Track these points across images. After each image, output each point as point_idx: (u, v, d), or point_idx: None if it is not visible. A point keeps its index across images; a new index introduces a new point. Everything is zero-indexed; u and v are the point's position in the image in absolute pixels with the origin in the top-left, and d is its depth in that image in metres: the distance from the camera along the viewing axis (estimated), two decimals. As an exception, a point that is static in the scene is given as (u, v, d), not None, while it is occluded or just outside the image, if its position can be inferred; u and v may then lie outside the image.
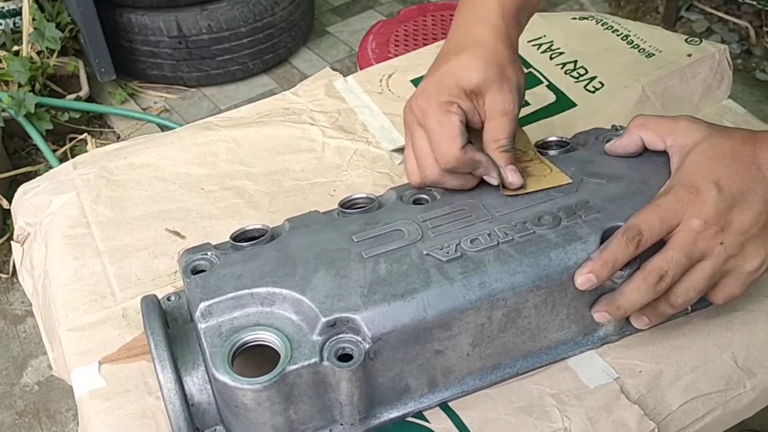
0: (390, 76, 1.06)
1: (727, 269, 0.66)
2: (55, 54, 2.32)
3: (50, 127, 2.20)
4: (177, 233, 0.84)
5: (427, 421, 0.67)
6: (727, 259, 0.65)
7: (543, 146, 0.79)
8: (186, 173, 0.91)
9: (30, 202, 0.89)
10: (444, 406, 0.68)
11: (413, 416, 0.67)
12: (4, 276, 1.99)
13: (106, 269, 0.81)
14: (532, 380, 0.70)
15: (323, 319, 0.60)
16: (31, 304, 1.92)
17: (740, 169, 0.66)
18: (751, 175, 0.66)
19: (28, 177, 2.11)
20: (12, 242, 0.90)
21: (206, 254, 0.67)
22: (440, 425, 0.66)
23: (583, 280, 0.65)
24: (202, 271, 0.66)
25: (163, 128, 2.30)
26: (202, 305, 0.62)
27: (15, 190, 0.92)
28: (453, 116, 0.71)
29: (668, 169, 0.72)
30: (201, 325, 0.62)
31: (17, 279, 1.96)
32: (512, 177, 0.72)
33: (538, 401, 0.68)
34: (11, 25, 2.40)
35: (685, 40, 1.06)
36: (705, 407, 0.69)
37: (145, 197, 0.88)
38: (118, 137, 2.37)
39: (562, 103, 1.00)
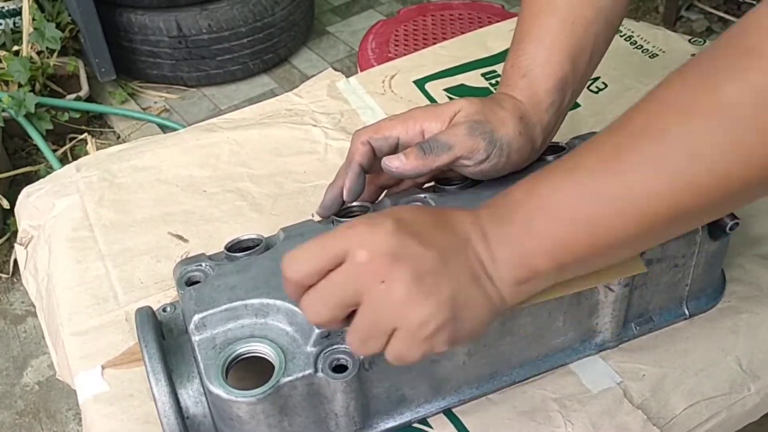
0: (392, 77, 1.06)
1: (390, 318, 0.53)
2: (55, 54, 2.32)
3: (50, 127, 2.19)
4: (180, 237, 0.84)
5: (430, 426, 0.67)
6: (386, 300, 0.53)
7: None
8: (189, 175, 0.91)
9: (33, 204, 0.89)
10: (447, 412, 0.68)
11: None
12: (4, 276, 1.99)
13: (109, 273, 0.81)
14: (535, 385, 0.70)
15: (317, 330, 0.60)
16: (31, 304, 1.91)
17: (426, 218, 0.56)
18: (437, 221, 0.56)
19: (28, 177, 2.11)
20: (16, 245, 0.90)
21: (201, 265, 0.66)
22: (443, 431, 0.66)
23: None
24: (197, 282, 0.65)
25: (164, 128, 2.30)
26: (196, 317, 0.61)
27: (15, 190, 0.92)
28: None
29: None
30: (195, 338, 0.61)
31: (17, 279, 1.96)
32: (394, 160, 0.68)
33: (541, 406, 0.68)
34: (11, 25, 2.39)
35: (689, 41, 1.06)
36: (709, 411, 0.69)
37: (148, 200, 0.88)
38: (118, 137, 2.37)
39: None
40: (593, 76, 1.03)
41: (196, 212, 0.87)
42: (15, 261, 1.92)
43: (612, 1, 0.74)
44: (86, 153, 2.19)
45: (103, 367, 0.72)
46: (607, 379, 0.70)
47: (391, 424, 0.66)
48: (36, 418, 1.70)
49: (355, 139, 0.71)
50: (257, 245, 0.68)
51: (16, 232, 0.91)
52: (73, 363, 0.73)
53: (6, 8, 2.36)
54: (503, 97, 0.73)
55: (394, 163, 0.68)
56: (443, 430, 0.66)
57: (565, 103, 0.74)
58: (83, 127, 2.33)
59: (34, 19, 2.26)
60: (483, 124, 0.68)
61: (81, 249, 0.83)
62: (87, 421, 0.69)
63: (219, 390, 0.58)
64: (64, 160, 2.14)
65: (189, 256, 0.74)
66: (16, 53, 2.28)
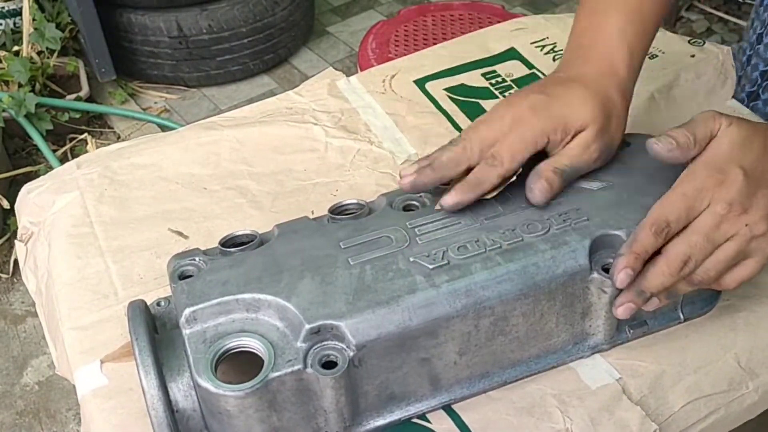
0: (393, 76, 1.06)
1: (750, 250, 0.66)
2: (55, 54, 2.33)
3: (50, 127, 2.20)
4: (180, 233, 0.84)
5: (428, 421, 0.67)
6: (750, 239, 0.65)
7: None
8: (189, 173, 0.92)
9: (34, 201, 0.89)
10: (445, 407, 0.68)
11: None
12: (4, 276, 1.99)
13: (109, 269, 0.81)
14: (533, 381, 0.70)
15: (307, 326, 0.60)
16: (31, 304, 1.92)
17: (765, 154, 0.67)
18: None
19: (28, 177, 2.12)
20: (16, 242, 0.90)
21: (194, 260, 0.67)
22: (442, 426, 0.66)
23: (622, 276, 0.64)
24: (189, 276, 0.65)
25: (164, 128, 2.30)
26: (187, 311, 0.61)
27: (15, 190, 0.93)
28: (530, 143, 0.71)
29: (660, 177, 0.71)
30: (186, 331, 0.61)
31: (17, 279, 1.96)
32: (538, 186, 0.70)
33: (540, 402, 0.68)
34: (11, 25, 2.40)
35: (688, 42, 1.06)
36: (707, 408, 0.69)
37: (149, 197, 0.89)
38: (119, 137, 2.37)
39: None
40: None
41: (196, 209, 0.87)
42: (15, 261, 1.93)
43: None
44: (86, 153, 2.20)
45: (102, 362, 0.72)
46: (605, 376, 0.70)
47: (381, 421, 0.66)
48: (36, 418, 1.70)
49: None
50: (251, 241, 0.68)
51: (16, 232, 0.91)
52: (72, 358, 0.73)
53: (6, 8, 2.36)
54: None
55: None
56: (442, 425, 0.66)
57: None
58: (83, 128, 2.34)
59: (34, 19, 2.27)
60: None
61: (81, 245, 0.83)
62: (86, 415, 0.70)
63: (207, 384, 0.58)
64: (64, 160, 2.14)
65: (188, 252, 0.74)
66: (17, 53, 2.29)
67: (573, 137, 0.71)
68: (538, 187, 0.69)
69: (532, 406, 0.67)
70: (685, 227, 0.65)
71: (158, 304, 0.69)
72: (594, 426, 0.66)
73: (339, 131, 0.97)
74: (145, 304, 0.66)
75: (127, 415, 0.68)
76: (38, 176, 0.95)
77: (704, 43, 1.06)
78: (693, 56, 1.03)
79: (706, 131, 0.68)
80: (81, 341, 0.74)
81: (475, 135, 0.71)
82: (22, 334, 1.87)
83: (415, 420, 0.67)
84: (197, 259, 0.67)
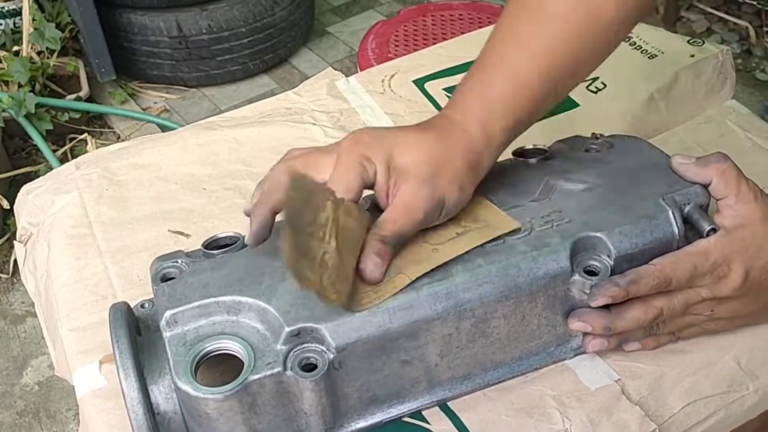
0: (392, 76, 1.06)
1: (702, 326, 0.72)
2: (55, 54, 2.32)
3: (50, 127, 2.20)
4: (181, 233, 0.84)
5: (426, 422, 0.67)
6: (707, 320, 0.71)
7: (519, 154, 0.77)
8: (188, 173, 0.92)
9: (33, 202, 0.89)
10: (444, 407, 0.67)
11: (411, 416, 0.67)
12: (4, 276, 1.99)
13: (108, 270, 0.81)
14: (532, 381, 0.69)
15: (287, 329, 0.59)
16: (31, 304, 1.92)
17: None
18: None
19: (28, 177, 2.12)
20: (15, 242, 0.90)
21: (176, 262, 0.66)
22: (440, 427, 0.66)
23: (602, 301, 0.65)
24: (171, 278, 0.65)
25: (164, 128, 2.30)
26: (168, 313, 0.61)
27: (15, 191, 0.92)
28: (358, 168, 0.64)
29: (644, 180, 0.71)
30: (166, 334, 0.61)
31: (17, 279, 1.96)
32: (369, 265, 0.62)
33: (539, 403, 0.68)
34: (11, 25, 2.40)
35: (688, 41, 1.06)
36: (707, 409, 0.68)
37: (147, 197, 0.88)
38: (119, 137, 2.37)
39: (565, 103, 1.00)
40: (592, 76, 1.03)
41: (195, 210, 0.87)
42: (15, 261, 1.93)
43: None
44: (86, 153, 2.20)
45: (100, 362, 0.72)
46: (604, 377, 0.69)
47: (362, 424, 0.65)
48: (36, 418, 1.70)
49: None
50: (234, 243, 0.68)
51: (16, 233, 0.92)
52: (71, 358, 0.73)
53: (6, 8, 2.36)
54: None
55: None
56: (440, 425, 0.66)
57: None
58: (83, 128, 2.33)
59: (34, 19, 2.26)
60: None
61: (80, 246, 0.83)
62: (85, 416, 0.69)
63: (187, 386, 0.58)
64: (64, 161, 2.14)
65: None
66: (16, 53, 2.29)
67: (397, 186, 0.65)
68: (369, 267, 0.62)
69: (531, 407, 0.67)
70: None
71: (142, 306, 0.68)
72: (593, 427, 0.66)
73: (338, 131, 0.97)
74: (128, 305, 0.66)
75: (125, 416, 0.68)
76: (38, 176, 0.95)
77: (704, 42, 1.06)
78: (692, 56, 1.03)
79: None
80: (80, 342, 0.74)
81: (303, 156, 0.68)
82: (22, 334, 1.87)
83: (413, 421, 0.67)
84: (180, 261, 0.67)
